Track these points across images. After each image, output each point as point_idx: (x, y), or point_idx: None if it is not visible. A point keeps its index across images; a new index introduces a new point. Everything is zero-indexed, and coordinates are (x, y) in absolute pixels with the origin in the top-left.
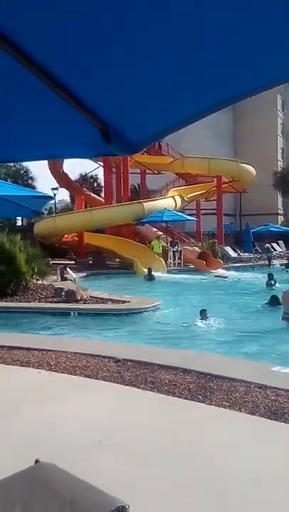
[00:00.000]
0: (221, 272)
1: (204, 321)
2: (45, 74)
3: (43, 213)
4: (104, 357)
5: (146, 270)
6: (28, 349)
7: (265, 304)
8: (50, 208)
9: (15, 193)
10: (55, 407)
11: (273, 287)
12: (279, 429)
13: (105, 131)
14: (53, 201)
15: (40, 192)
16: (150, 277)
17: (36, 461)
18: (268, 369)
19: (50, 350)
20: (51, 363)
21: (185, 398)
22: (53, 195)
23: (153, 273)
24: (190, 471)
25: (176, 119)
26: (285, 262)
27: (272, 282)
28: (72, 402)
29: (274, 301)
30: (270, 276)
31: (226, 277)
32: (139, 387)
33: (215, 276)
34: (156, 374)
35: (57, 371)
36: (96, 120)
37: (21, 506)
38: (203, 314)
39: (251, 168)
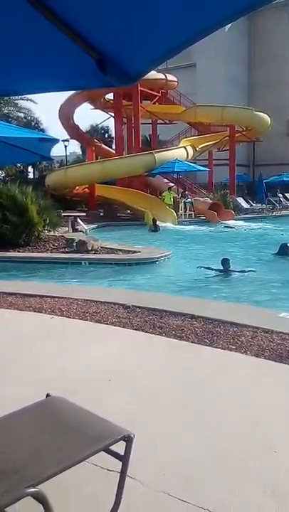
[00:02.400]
0: (229, 222)
1: (224, 270)
2: (40, 3)
3: (52, 159)
4: (114, 304)
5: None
6: (41, 296)
7: (274, 253)
8: (62, 160)
9: (20, 135)
10: (66, 348)
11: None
12: (283, 371)
13: (101, 61)
14: (63, 153)
15: (45, 134)
16: (155, 228)
17: (47, 395)
18: (275, 315)
19: (62, 298)
20: (63, 309)
21: (192, 342)
22: (59, 139)
23: (158, 223)
24: (195, 409)
25: (172, 42)
26: None
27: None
28: (83, 344)
29: (283, 251)
30: None
31: (233, 227)
32: (147, 332)
33: (224, 226)
34: (164, 320)
35: (68, 316)
36: (91, 50)
37: (32, 435)
38: (225, 264)
39: (266, 116)
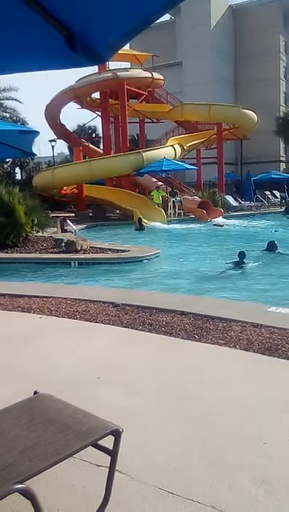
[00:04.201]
0: (218, 220)
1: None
2: None
3: (35, 155)
4: (103, 302)
5: (146, 220)
6: (29, 296)
7: (263, 249)
8: (50, 161)
9: None
10: (55, 347)
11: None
12: (271, 364)
13: (70, 38)
14: (51, 154)
15: (25, 127)
16: (140, 227)
17: (35, 393)
18: (264, 309)
19: (51, 297)
20: (52, 309)
21: (182, 338)
22: (39, 132)
23: (144, 223)
24: (184, 403)
25: (135, 19)
26: None
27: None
28: (72, 343)
29: (271, 247)
30: None
31: (222, 225)
32: (137, 329)
33: (213, 224)
34: (154, 317)
35: (57, 316)
36: (60, 27)
37: (19, 432)
38: (241, 256)
39: (252, 113)
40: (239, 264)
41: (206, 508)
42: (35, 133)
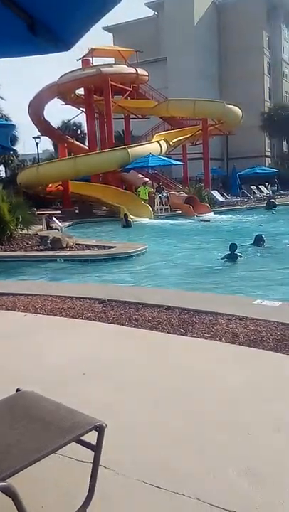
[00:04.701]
0: (204, 215)
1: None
2: None
3: (14, 150)
4: (89, 299)
5: (133, 217)
6: (14, 294)
7: (251, 244)
8: (34, 158)
9: None
10: (40, 344)
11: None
12: (257, 356)
13: (30, 22)
14: (35, 151)
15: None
16: (127, 224)
17: (17, 390)
18: (249, 302)
19: (36, 295)
20: (37, 306)
21: (168, 332)
22: (15, 124)
23: (130, 219)
24: (170, 397)
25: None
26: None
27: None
28: (57, 340)
29: (258, 241)
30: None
31: (209, 220)
32: (123, 325)
33: (200, 220)
34: (140, 312)
35: (43, 313)
36: (19, 11)
37: (2, 430)
38: (232, 248)
39: (237, 109)
40: (231, 257)
41: (191, 500)
42: (11, 126)
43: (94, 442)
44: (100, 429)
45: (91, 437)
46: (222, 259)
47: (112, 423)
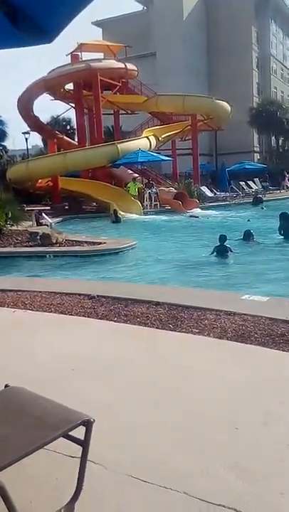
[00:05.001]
0: (194, 211)
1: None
2: None
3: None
4: (79, 295)
5: (122, 213)
6: (3, 291)
7: (240, 239)
8: (24, 153)
9: None
10: (29, 340)
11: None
12: (244, 350)
13: (12, 14)
14: (25, 147)
15: None
16: (116, 220)
17: (6, 386)
18: (237, 297)
19: (26, 291)
20: (26, 302)
21: (156, 328)
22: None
23: (119, 214)
24: (159, 393)
25: None
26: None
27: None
28: (46, 336)
29: (247, 237)
30: None
31: (198, 216)
32: (112, 321)
33: (189, 216)
34: (129, 308)
35: (32, 309)
36: (2, 3)
37: None
38: (222, 240)
39: (226, 104)
40: (221, 249)
41: (179, 495)
42: None
43: (82, 437)
44: (88, 425)
45: (80, 433)
46: (212, 251)
47: (99, 418)
